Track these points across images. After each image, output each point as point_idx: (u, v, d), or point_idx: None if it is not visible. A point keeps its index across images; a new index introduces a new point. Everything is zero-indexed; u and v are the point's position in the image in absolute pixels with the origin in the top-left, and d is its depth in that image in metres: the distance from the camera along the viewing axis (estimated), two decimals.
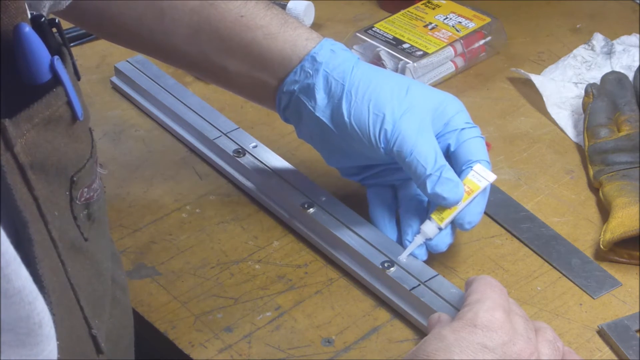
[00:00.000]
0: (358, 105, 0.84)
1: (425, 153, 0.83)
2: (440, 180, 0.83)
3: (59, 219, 0.57)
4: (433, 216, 0.85)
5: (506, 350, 0.71)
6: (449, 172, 0.84)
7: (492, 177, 0.85)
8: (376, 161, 0.88)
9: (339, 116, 0.85)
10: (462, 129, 0.86)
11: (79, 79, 0.59)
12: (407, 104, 0.84)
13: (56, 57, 0.55)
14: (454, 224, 0.86)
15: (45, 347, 0.52)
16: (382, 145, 0.84)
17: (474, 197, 0.84)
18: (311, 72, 0.85)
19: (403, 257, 0.86)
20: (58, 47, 0.57)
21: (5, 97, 0.52)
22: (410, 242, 0.86)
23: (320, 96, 0.85)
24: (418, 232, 0.86)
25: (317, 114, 0.85)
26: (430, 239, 0.85)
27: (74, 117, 0.57)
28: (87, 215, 0.60)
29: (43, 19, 0.56)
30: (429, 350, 0.71)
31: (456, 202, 0.84)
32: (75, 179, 0.58)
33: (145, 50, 0.93)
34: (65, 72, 0.56)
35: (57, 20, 0.58)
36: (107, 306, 0.65)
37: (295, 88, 0.86)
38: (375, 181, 0.92)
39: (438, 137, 0.86)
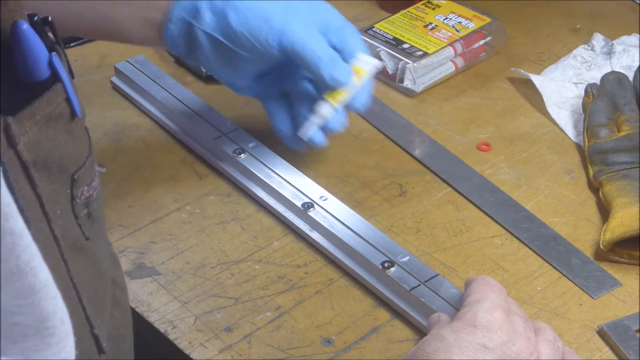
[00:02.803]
0: (243, 13, 0.90)
1: (316, 44, 0.90)
2: (335, 65, 0.90)
3: (61, 218, 0.57)
4: (327, 98, 0.92)
5: (506, 350, 0.71)
6: (340, 59, 0.92)
7: (376, 62, 0.94)
8: (269, 63, 0.94)
9: (228, 28, 0.90)
10: (342, 26, 0.94)
11: (72, 77, 0.59)
12: (288, 6, 0.91)
13: (54, 53, 0.55)
14: (347, 109, 0.94)
15: (66, 344, 0.52)
16: (274, 45, 0.90)
17: (363, 81, 0.93)
18: None
19: (303, 134, 0.93)
20: (52, 45, 0.57)
21: (4, 95, 0.52)
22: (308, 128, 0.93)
23: (207, 14, 0.91)
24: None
25: (209, 31, 0.91)
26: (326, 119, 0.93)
27: (73, 114, 0.57)
28: (88, 214, 0.60)
29: (36, 17, 0.56)
30: (429, 350, 0.71)
31: (349, 84, 0.92)
32: (75, 177, 0.58)
33: None
34: (63, 68, 0.56)
35: (50, 19, 0.58)
36: (108, 306, 0.65)
37: (183, 14, 0.91)
38: (269, 91, 0.98)
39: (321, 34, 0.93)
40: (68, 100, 0.56)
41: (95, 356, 0.62)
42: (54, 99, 0.55)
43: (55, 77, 0.55)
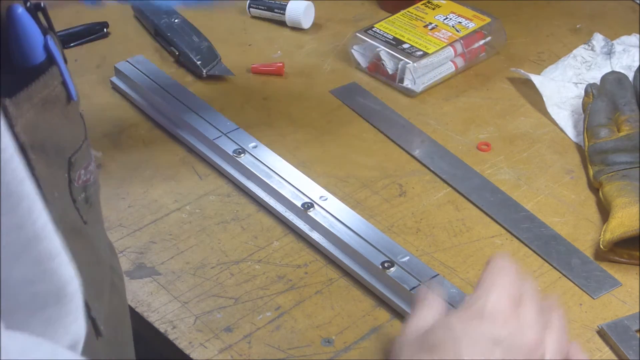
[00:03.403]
0: None
1: None
2: None
3: (59, 201, 0.57)
4: None
5: (513, 341, 0.71)
6: None
7: None
8: None
9: None
10: None
11: (66, 62, 0.59)
12: None
13: (49, 36, 0.55)
14: None
15: (81, 312, 0.52)
16: None
17: None
18: None
19: None
20: (45, 31, 0.57)
21: (1, 79, 0.52)
22: None
23: None
24: None
25: None
26: None
27: (69, 97, 0.57)
28: (85, 199, 0.60)
29: (28, 3, 0.56)
30: (436, 338, 0.70)
31: None
32: (72, 160, 0.58)
33: None
34: (58, 52, 0.56)
35: (42, 5, 0.58)
36: (107, 291, 0.66)
37: None
38: None
39: None
40: (64, 83, 0.56)
41: (92, 338, 0.62)
42: (51, 82, 0.55)
43: (50, 60, 0.56)
